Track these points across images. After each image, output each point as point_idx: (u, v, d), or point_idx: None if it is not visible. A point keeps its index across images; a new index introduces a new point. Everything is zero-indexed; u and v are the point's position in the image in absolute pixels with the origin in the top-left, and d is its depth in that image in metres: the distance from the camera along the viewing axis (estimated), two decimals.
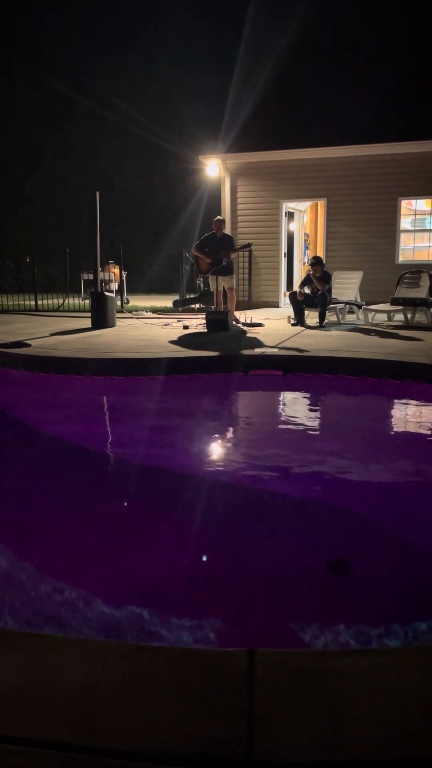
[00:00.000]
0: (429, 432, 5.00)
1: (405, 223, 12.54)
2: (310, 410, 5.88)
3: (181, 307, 12.81)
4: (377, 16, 15.91)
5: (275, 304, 13.21)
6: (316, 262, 9.52)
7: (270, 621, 2.33)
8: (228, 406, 6.09)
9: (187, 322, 9.79)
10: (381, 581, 2.62)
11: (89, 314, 10.08)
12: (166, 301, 14.36)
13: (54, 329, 9.31)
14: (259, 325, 9.33)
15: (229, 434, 5.08)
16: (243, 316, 10.10)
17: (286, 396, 6.29)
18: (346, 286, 10.74)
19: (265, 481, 3.82)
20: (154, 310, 13.01)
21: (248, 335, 8.28)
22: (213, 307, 10.03)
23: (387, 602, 2.46)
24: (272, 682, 1.43)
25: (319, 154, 12.46)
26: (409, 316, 9.47)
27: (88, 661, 1.54)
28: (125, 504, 3.53)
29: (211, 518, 3.23)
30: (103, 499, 3.60)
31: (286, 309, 11.28)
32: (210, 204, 17.44)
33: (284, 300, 12.82)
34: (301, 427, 5.08)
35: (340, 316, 10.08)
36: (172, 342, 7.74)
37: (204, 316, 9.13)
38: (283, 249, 13.38)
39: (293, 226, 14.43)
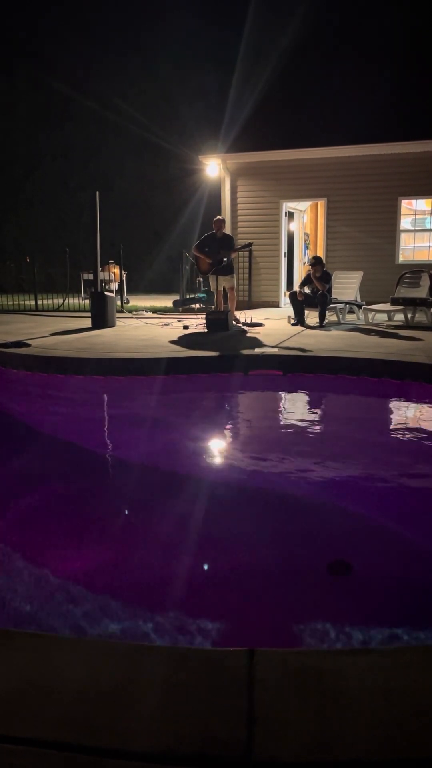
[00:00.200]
0: (429, 432, 5.00)
1: (405, 222, 12.54)
2: (310, 410, 5.89)
3: (181, 307, 12.80)
4: (377, 16, 15.92)
5: (275, 304, 13.21)
6: (316, 261, 9.52)
7: (270, 621, 2.33)
8: (228, 406, 6.09)
9: (187, 322, 9.79)
10: (381, 581, 2.61)
11: (89, 314, 10.08)
12: (166, 301, 14.36)
13: (54, 329, 9.32)
14: (259, 324, 9.33)
15: (229, 434, 5.08)
16: (243, 315, 10.10)
17: (286, 396, 6.29)
18: (346, 285, 10.74)
19: (265, 481, 3.82)
20: (154, 310, 13.01)
21: (248, 335, 8.28)
22: (213, 307, 10.03)
23: (387, 602, 2.45)
24: (272, 681, 1.43)
25: (320, 154, 12.45)
26: (409, 315, 9.47)
27: (88, 661, 1.54)
28: (123, 503, 3.53)
29: (210, 517, 3.23)
30: (102, 498, 3.60)
31: (286, 309, 11.28)
32: (210, 204, 17.44)
33: (284, 300, 12.82)
34: (301, 427, 5.08)
35: (340, 315, 10.08)
36: (172, 342, 7.74)
37: (204, 316, 9.13)
38: (283, 249, 13.38)
39: (293, 226, 14.43)
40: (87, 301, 12.63)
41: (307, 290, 9.55)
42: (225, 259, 9.16)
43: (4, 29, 30.17)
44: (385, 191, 12.22)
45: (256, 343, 7.50)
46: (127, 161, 28.88)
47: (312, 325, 9.28)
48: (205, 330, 8.68)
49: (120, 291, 15.40)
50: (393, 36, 13.96)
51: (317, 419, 5.56)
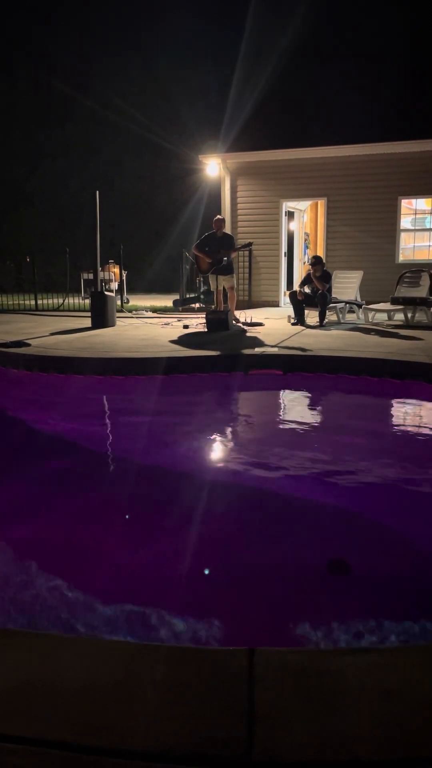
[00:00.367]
0: (429, 431, 5.00)
1: (405, 222, 12.54)
2: (310, 409, 5.88)
3: (181, 306, 12.80)
4: (377, 16, 15.92)
5: (275, 304, 13.21)
6: (316, 261, 9.52)
7: (270, 620, 2.33)
8: (228, 406, 6.09)
9: (187, 322, 9.79)
10: (381, 581, 2.61)
11: (89, 314, 10.08)
12: (166, 301, 14.36)
13: (54, 329, 9.31)
14: (259, 324, 9.33)
15: (229, 433, 5.08)
16: (243, 315, 10.09)
17: (286, 395, 6.29)
18: (346, 285, 10.74)
19: (265, 480, 3.82)
20: (154, 310, 13.01)
21: (248, 335, 8.28)
22: (213, 306, 10.03)
23: (387, 602, 2.45)
24: (272, 681, 1.43)
25: (319, 153, 12.45)
26: (409, 315, 9.47)
27: (88, 661, 1.54)
28: (123, 502, 3.53)
29: (210, 517, 3.23)
30: (102, 497, 3.59)
31: (286, 308, 11.28)
32: (210, 203, 17.44)
33: (284, 299, 12.82)
34: (301, 427, 5.08)
35: (340, 315, 10.08)
36: (173, 341, 7.74)
37: (204, 316, 9.13)
38: (283, 248, 13.38)
39: (293, 226, 14.43)
40: (87, 301, 12.62)
41: (307, 290, 9.54)
42: (225, 258, 9.16)
43: (4, 29, 30.19)
44: (385, 191, 12.22)
45: (256, 342, 7.50)
46: (127, 161, 28.89)
47: (312, 324, 9.28)
48: (205, 329, 8.68)
49: (120, 290, 15.40)
50: (393, 36, 13.96)
51: (317, 419, 5.56)
